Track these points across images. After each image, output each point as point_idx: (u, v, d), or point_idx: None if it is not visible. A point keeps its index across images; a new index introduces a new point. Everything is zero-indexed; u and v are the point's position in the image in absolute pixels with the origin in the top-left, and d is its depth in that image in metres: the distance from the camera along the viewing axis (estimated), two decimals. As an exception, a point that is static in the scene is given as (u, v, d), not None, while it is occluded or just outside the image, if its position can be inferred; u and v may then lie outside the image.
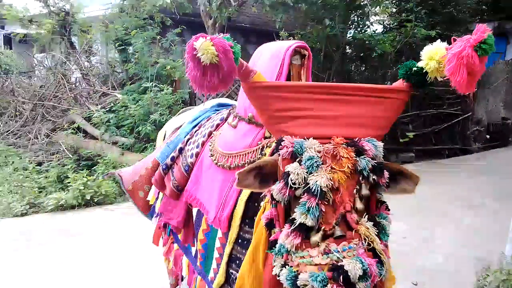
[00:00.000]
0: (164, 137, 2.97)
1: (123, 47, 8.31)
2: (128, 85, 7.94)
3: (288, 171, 1.30)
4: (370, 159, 1.31)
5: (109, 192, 5.59)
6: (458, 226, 4.81)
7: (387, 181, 1.35)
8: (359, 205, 1.29)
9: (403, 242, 4.30)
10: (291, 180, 1.28)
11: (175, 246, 2.52)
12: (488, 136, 10.16)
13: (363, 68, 9.24)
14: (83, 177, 5.59)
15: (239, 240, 1.83)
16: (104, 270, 3.71)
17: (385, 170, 1.33)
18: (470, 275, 3.52)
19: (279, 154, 1.36)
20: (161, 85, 7.20)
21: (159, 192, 2.57)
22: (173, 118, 3.21)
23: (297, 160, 1.31)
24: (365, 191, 1.30)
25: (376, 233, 1.29)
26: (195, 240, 2.20)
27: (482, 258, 3.80)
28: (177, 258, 2.50)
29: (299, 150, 1.32)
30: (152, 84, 7.10)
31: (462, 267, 3.77)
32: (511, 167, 7.76)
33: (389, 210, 1.43)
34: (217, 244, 1.98)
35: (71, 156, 6.75)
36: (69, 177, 5.67)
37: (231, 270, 1.88)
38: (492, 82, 10.48)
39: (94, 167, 6.32)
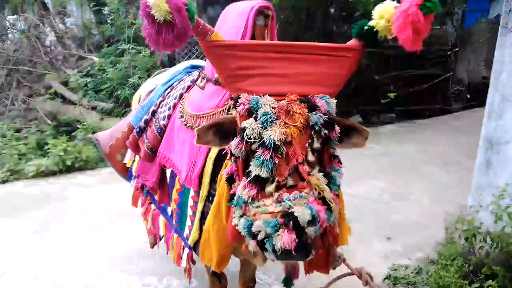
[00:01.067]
0: (139, 100, 2.97)
1: (98, 7, 8.03)
2: (105, 47, 7.74)
3: (244, 127, 1.35)
4: (322, 114, 1.37)
5: (90, 157, 5.57)
6: (432, 183, 4.96)
7: (339, 135, 1.42)
8: (311, 157, 1.37)
9: (378, 199, 4.45)
10: (247, 135, 1.34)
11: (153, 206, 2.59)
12: (468, 96, 10.28)
13: (346, 28, 9.14)
14: (63, 143, 5.55)
15: (210, 198, 1.89)
16: (89, 232, 3.78)
17: (336, 125, 1.40)
18: (441, 229, 3.68)
19: (236, 111, 1.40)
20: (139, 47, 7.04)
21: (135, 155, 2.61)
22: (148, 81, 3.20)
23: (253, 116, 1.36)
24: (316, 144, 1.38)
25: (327, 183, 1.36)
26: (170, 200, 2.26)
27: (452, 212, 3.96)
28: (154, 218, 2.57)
29: (255, 106, 1.37)
30: (130, 46, 6.94)
31: (434, 222, 3.92)
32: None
33: (341, 163, 1.51)
34: (190, 202, 2.04)
35: (49, 122, 6.65)
36: (49, 144, 5.63)
37: (204, 227, 1.95)
38: (474, 41, 10.49)
39: (74, 133, 6.26)
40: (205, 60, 2.25)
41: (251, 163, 1.36)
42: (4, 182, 5.14)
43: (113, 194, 4.54)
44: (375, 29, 1.44)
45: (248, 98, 1.39)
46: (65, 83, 7.33)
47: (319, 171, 1.37)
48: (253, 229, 1.29)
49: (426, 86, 9.14)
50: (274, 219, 1.25)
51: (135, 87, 6.47)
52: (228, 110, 1.84)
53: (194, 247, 2.04)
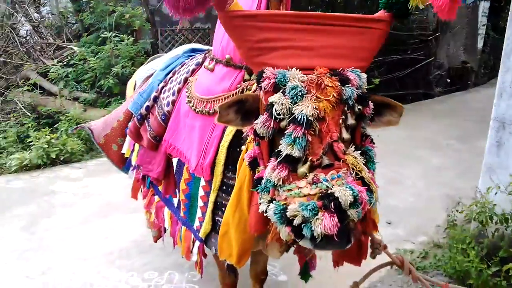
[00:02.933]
0: (135, 87, 2.83)
1: (75, -5, 7.73)
2: (85, 36, 7.45)
3: (272, 102, 1.25)
4: (355, 88, 1.28)
5: (75, 149, 5.35)
6: (425, 167, 4.98)
7: (372, 112, 1.33)
8: (346, 135, 1.27)
9: (375, 184, 4.42)
10: (276, 111, 1.24)
11: (156, 198, 2.46)
12: (448, 80, 10.41)
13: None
14: (46, 135, 5.32)
15: (223, 187, 1.79)
16: (80, 227, 3.61)
17: (369, 101, 1.31)
18: (440, 212, 3.68)
19: (260, 87, 1.30)
20: (121, 35, 6.79)
21: (134, 144, 2.48)
22: (142, 67, 3.05)
23: (281, 91, 1.26)
24: (351, 121, 1.29)
25: (364, 162, 1.27)
26: (177, 191, 2.14)
27: (451, 195, 3.97)
28: (158, 210, 2.44)
29: (282, 80, 1.27)
30: (111, 34, 6.69)
31: (432, 205, 3.94)
32: (471, 109, 8.06)
33: (374, 143, 1.42)
34: (201, 192, 1.93)
35: (29, 115, 6.38)
36: (30, 136, 5.38)
37: (217, 218, 1.85)
38: (453, 26, 10.60)
39: (56, 125, 6.01)
40: (204, 44, 2.14)
41: (280, 142, 1.25)
42: (-16, 177, 4.90)
43: (102, 187, 4.39)
44: None
45: (273, 72, 1.29)
46: (44, 74, 7.04)
47: (355, 149, 1.27)
48: (288, 214, 1.17)
49: (409, 71, 9.20)
50: (311, 202, 1.14)
51: (119, 77, 6.27)
52: (242, 92, 1.72)
53: (206, 240, 1.93)
